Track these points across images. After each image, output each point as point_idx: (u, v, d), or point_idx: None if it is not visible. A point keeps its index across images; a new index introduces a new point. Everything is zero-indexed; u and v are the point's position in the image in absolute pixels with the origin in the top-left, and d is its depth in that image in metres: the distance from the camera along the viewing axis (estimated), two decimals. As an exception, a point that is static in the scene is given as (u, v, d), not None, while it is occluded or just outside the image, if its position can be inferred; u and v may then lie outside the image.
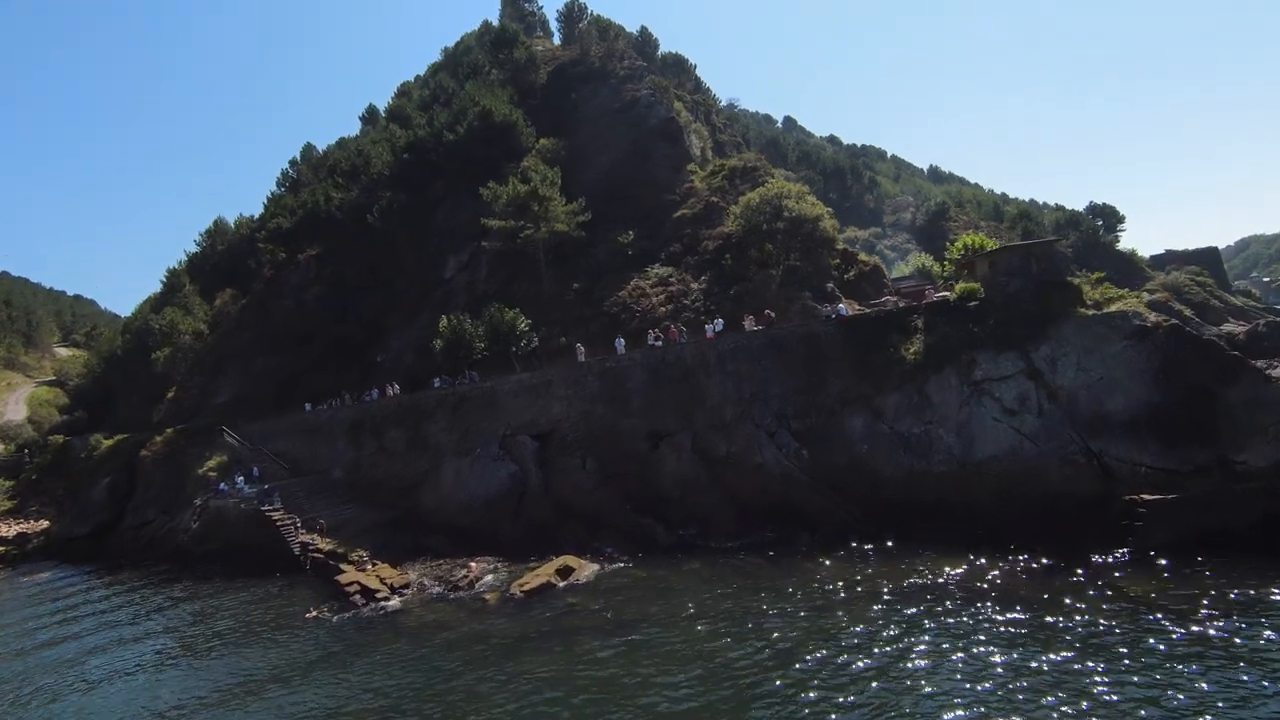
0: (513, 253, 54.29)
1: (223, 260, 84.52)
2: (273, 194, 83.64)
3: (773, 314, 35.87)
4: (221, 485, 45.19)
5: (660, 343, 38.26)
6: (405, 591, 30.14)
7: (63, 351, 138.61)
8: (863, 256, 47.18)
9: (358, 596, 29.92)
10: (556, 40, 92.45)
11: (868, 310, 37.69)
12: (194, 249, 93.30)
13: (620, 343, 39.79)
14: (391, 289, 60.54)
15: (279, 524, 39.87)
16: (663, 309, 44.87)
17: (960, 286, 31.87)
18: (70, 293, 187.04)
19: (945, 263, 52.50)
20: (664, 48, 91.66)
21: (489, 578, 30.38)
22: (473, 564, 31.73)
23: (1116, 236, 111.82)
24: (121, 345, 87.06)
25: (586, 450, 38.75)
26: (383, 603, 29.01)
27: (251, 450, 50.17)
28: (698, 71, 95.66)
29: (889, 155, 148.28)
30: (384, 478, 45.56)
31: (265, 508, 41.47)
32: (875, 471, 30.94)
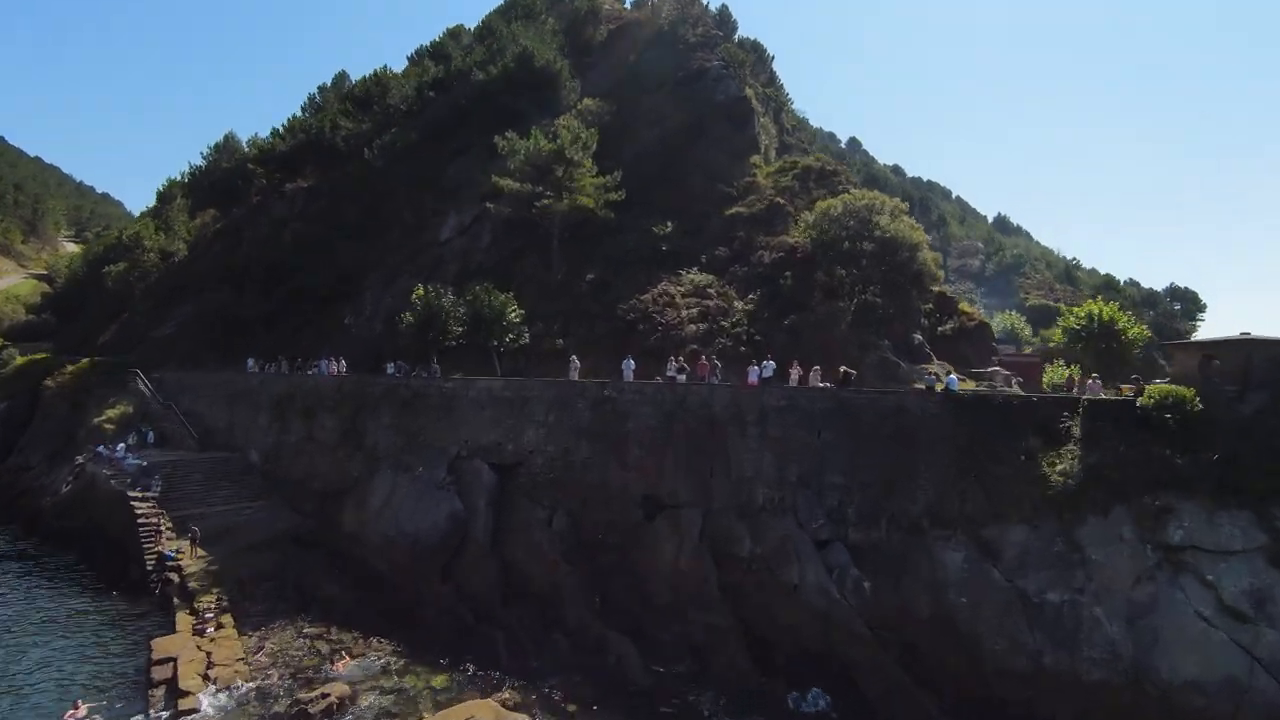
0: (523, 224, 42.94)
1: (222, 179, 73.86)
2: (292, 118, 72.64)
3: (853, 372, 24.14)
4: (101, 448, 34.47)
5: (683, 376, 26.76)
6: (228, 697, 18.96)
7: (71, 247, 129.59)
8: (966, 307, 35.20)
9: (158, 691, 18.85)
10: (628, 4, 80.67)
11: (980, 386, 25.98)
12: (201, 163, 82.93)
13: (629, 365, 28.36)
14: (380, 242, 49.40)
15: (140, 520, 29.01)
16: (693, 327, 33.32)
17: (1160, 387, 19.92)
18: (100, 190, 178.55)
19: (1057, 331, 40.52)
20: (742, 32, 79.38)
21: (366, 701, 19.11)
22: (342, 664, 20.58)
23: (1194, 325, 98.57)
24: (104, 252, 76.99)
25: (559, 501, 27.45)
26: (184, 716, 17.88)
27: (163, 405, 39.47)
28: (774, 65, 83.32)
29: (954, 196, 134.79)
30: (305, 474, 34.57)
31: (136, 492, 30.64)
32: (977, 644, 19.32)
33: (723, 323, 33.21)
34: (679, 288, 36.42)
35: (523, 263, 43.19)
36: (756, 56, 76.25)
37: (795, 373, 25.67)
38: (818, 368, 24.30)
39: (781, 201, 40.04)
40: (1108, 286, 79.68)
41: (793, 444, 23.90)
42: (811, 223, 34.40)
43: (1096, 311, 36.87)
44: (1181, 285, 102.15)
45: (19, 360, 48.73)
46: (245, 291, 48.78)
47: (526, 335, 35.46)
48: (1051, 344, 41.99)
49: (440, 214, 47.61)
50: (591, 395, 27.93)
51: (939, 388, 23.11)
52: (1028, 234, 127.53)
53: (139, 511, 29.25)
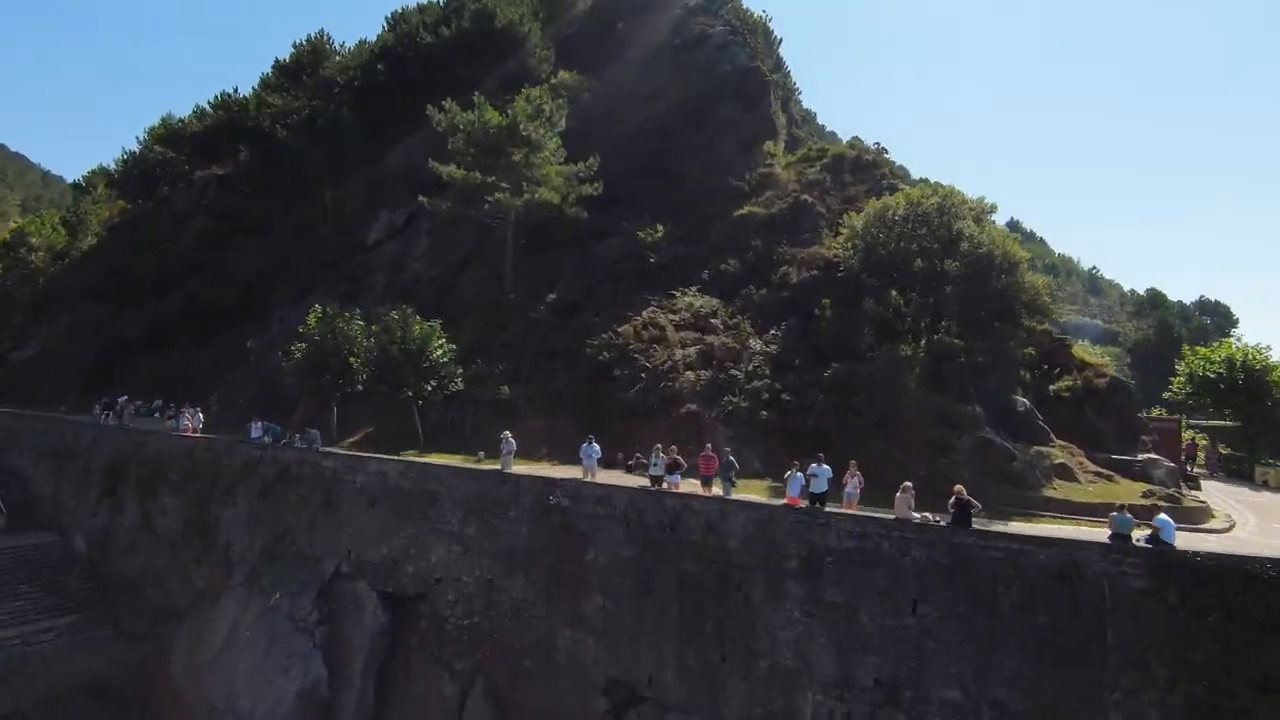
0: (472, 225, 32.19)
1: (156, 167, 62.38)
2: (220, 94, 60.82)
3: (975, 503, 13.35)
4: None
5: (677, 479, 16.00)
6: None
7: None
8: (1086, 354, 24.40)
9: None
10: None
11: (1159, 501, 15.38)
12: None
13: (591, 453, 17.51)
14: (299, 245, 38.51)
15: None
16: (690, 375, 22.57)
17: None
18: (69, 179, 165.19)
19: (1175, 380, 30.12)
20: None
21: None
22: None
23: (1226, 343, 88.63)
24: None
25: (478, 668, 16.82)
26: None
27: (-27, 464, 28.38)
28: (781, 49, 72.39)
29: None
30: (139, 578, 23.75)
31: None
32: None
33: (734, 371, 22.47)
34: (671, 315, 25.71)
35: (470, 275, 32.42)
36: (764, 39, 65.52)
37: (856, 481, 14.91)
38: (909, 485, 13.62)
39: (810, 199, 29.36)
40: (1154, 303, 69.32)
41: (868, 621, 13.28)
42: (859, 229, 23.69)
43: (1239, 357, 26.71)
44: (1212, 298, 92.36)
45: None
46: (126, 304, 37.71)
47: (459, 379, 24.62)
48: (1167, 394, 31.75)
49: (371, 211, 36.69)
50: (531, 499, 17.20)
51: (1135, 532, 12.45)
52: (1042, 240, 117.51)
53: None
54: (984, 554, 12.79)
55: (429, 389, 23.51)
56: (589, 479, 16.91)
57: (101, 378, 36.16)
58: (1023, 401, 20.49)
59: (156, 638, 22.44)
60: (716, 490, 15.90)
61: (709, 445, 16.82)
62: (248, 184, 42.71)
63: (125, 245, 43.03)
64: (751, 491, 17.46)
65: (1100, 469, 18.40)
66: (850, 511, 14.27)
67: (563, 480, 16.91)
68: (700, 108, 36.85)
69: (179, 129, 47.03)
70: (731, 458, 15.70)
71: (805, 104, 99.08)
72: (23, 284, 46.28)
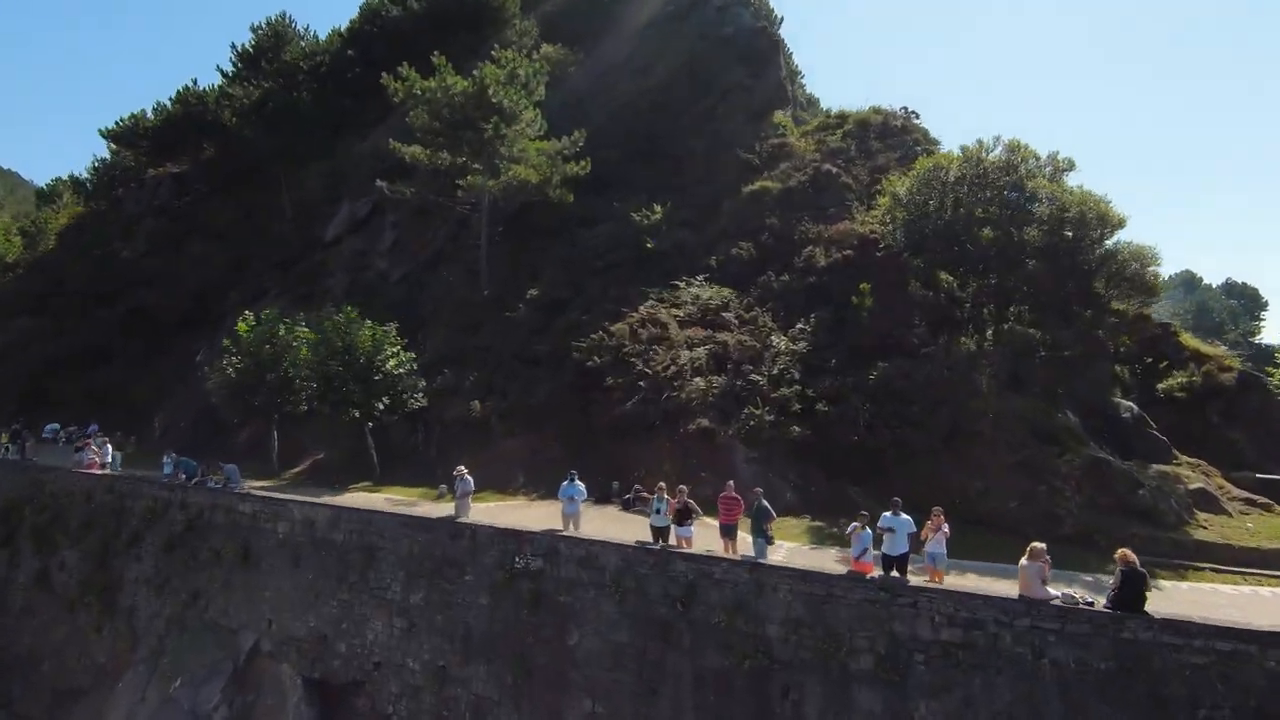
0: (442, 215, 27.72)
1: (114, 170, 58.09)
2: (184, 87, 56.03)
3: (1141, 571, 8.74)
4: None
5: (689, 532, 11.41)
6: None
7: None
8: (1197, 343, 19.49)
9: None
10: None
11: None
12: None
13: (575, 493, 12.86)
14: (260, 245, 34.11)
15: None
16: (699, 382, 17.99)
17: None
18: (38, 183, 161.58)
19: (1275, 372, 25.46)
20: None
21: None
22: None
23: (1256, 326, 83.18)
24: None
25: (425, 788, 12.17)
26: None
27: None
28: (781, 30, 67.61)
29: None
30: (34, 649, 19.26)
31: None
32: None
33: (754, 376, 17.88)
34: (675, 310, 21.13)
35: (441, 273, 27.87)
36: (766, 9, 60.81)
37: (942, 535, 10.28)
38: (1041, 548, 8.93)
39: (833, 169, 24.72)
40: (1189, 285, 64.28)
41: (983, 753, 8.63)
42: (902, 195, 19.08)
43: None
44: (1239, 280, 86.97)
45: None
46: (65, 318, 33.39)
47: (421, 394, 20.10)
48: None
49: (332, 205, 32.21)
50: (493, 559, 12.63)
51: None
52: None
53: None
54: (1172, 657, 8.17)
55: (380, 408, 19.01)
56: (570, 532, 12.34)
57: (37, 399, 31.87)
58: (1128, 406, 15.82)
59: (51, 724, 18.02)
60: (744, 539, 11.38)
61: (730, 483, 12.17)
62: (204, 182, 38.34)
63: (72, 253, 38.72)
64: (786, 537, 12.99)
65: (1248, 493, 13.76)
66: (943, 585, 9.66)
67: (533, 534, 12.31)
68: (701, 76, 32.18)
69: (131, 126, 42.60)
70: (765, 502, 11.08)
71: (808, 89, 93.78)
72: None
